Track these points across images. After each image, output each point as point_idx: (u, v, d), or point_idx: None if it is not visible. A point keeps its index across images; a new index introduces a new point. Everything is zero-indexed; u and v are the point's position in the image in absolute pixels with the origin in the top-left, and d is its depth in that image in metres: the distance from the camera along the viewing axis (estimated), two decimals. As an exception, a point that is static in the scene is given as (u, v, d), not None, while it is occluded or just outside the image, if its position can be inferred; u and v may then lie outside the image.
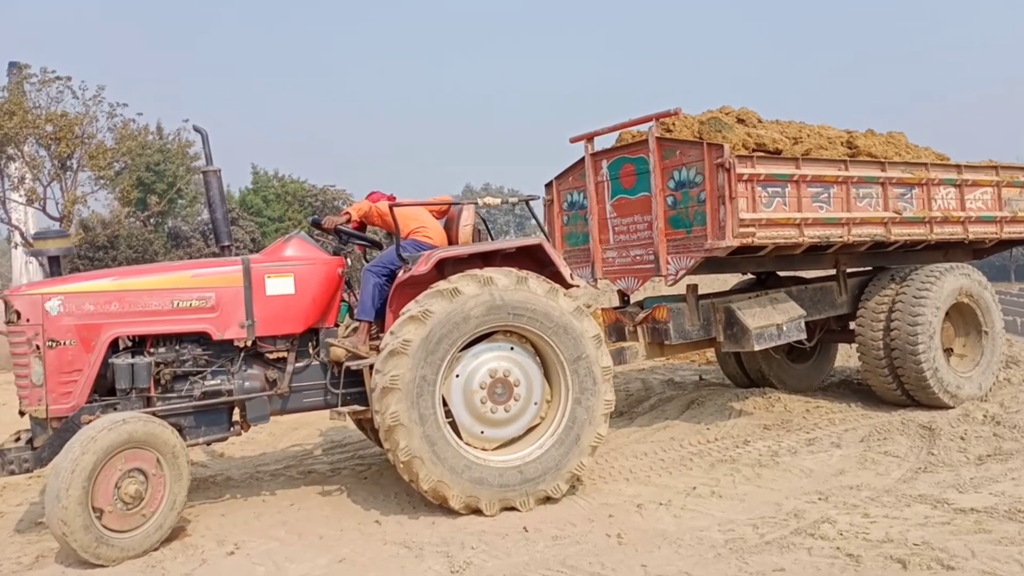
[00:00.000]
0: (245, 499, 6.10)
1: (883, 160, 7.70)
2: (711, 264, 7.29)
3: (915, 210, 7.87)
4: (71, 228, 20.22)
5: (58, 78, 19.77)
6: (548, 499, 5.58)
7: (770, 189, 6.90)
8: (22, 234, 20.16)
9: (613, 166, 7.62)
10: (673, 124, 7.33)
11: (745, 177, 6.69)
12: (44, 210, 19.96)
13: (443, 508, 5.46)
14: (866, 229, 7.53)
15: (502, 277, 5.56)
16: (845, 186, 7.37)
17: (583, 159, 7.91)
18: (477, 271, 5.60)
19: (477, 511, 5.39)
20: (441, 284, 5.51)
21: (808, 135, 7.72)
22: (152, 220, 27.42)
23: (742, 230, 6.62)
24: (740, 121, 7.56)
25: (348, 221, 6.31)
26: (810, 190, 7.16)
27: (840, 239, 7.35)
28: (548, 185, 8.49)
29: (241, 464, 7.28)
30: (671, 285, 7.27)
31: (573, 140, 8.01)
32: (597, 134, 7.83)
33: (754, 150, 7.11)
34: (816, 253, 7.90)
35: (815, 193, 7.19)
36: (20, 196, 19.87)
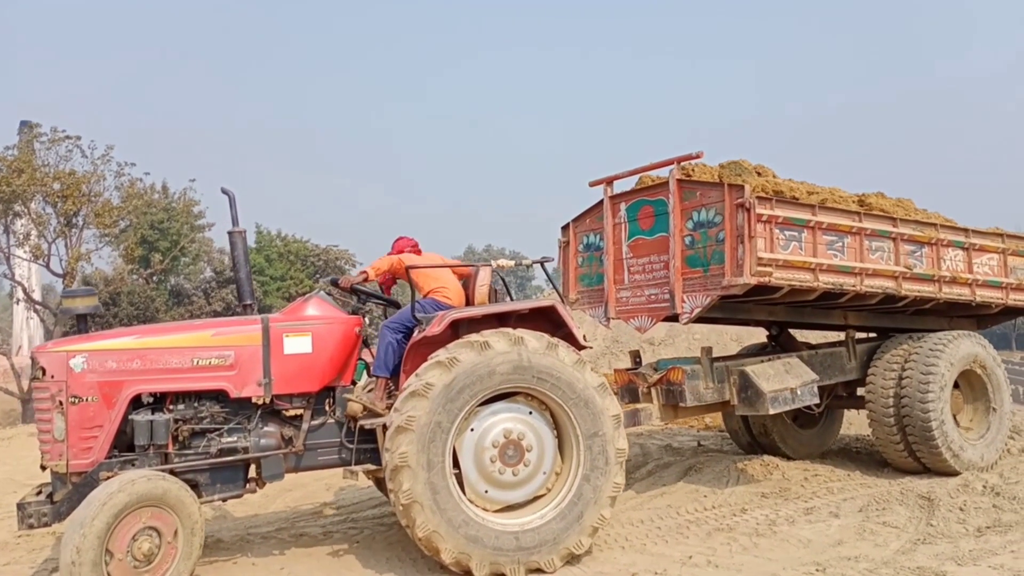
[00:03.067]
0: (234, 562, 6.04)
1: (895, 217, 7.87)
2: (725, 308, 7.43)
3: (925, 268, 8.00)
4: (74, 285, 20.37)
5: (67, 137, 20.11)
6: (539, 571, 5.52)
7: (787, 232, 7.06)
8: (25, 290, 20.31)
9: (632, 208, 7.79)
10: (692, 170, 7.50)
11: (764, 218, 6.85)
12: (48, 266, 20.12)
13: (434, 574, 5.46)
14: (878, 281, 7.65)
15: (533, 340, 5.63)
16: (859, 237, 7.53)
17: (601, 202, 8.08)
18: (510, 330, 5.68)
19: (467, 571, 5.36)
20: (473, 336, 5.58)
21: (820, 191, 7.89)
22: (155, 278, 27.60)
23: (760, 268, 6.75)
24: (757, 174, 7.74)
25: (365, 280, 6.35)
26: (825, 237, 7.32)
27: (853, 288, 7.46)
28: (565, 227, 8.67)
29: (232, 526, 7.20)
30: (686, 323, 7.37)
31: (593, 184, 8.18)
32: (617, 178, 8.00)
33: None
34: (827, 304, 7.99)
35: (830, 241, 7.36)
36: (25, 252, 20.04)
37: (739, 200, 6.80)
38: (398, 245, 6.67)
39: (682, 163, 7.31)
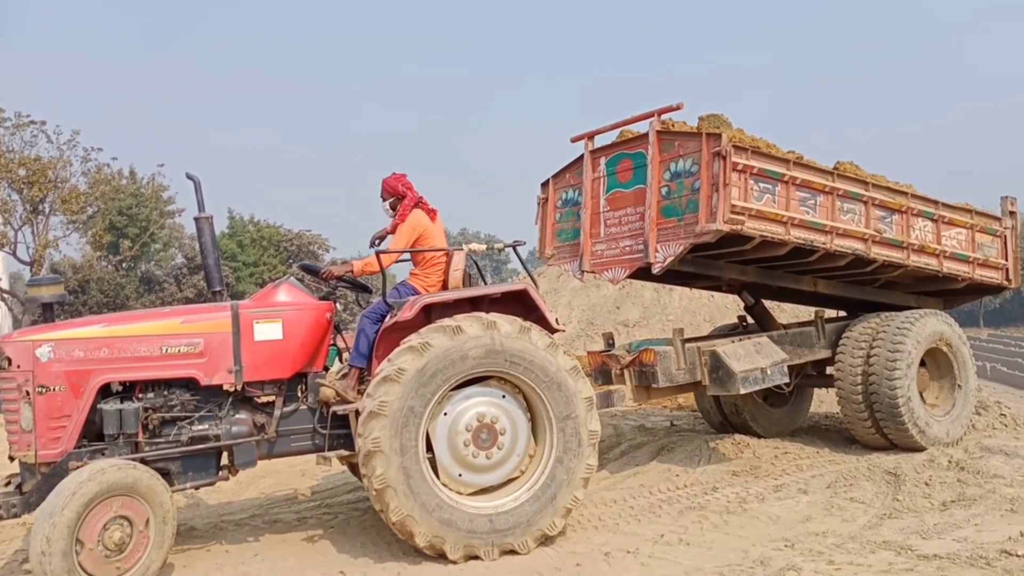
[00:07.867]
0: (208, 549, 5.99)
1: (867, 181, 7.91)
2: (697, 263, 7.53)
3: (894, 234, 8.06)
4: (42, 272, 20.13)
5: (32, 122, 19.83)
6: (513, 552, 5.54)
7: (761, 184, 7.07)
8: (-10, 278, 20.07)
9: (611, 162, 7.78)
10: (672, 124, 7.49)
11: (739, 167, 6.83)
12: (15, 254, 19.88)
13: (408, 557, 5.47)
14: (848, 242, 7.67)
15: (506, 324, 5.62)
16: (831, 197, 7.55)
17: (581, 157, 8.05)
18: (483, 314, 5.67)
19: (441, 553, 5.37)
20: (446, 321, 5.58)
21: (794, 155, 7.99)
22: (124, 264, 27.34)
23: (733, 216, 6.74)
24: (736, 132, 7.84)
25: (349, 272, 6.27)
26: (799, 193, 7.33)
27: (823, 246, 7.47)
28: (544, 184, 8.64)
29: (206, 513, 7.13)
30: (658, 272, 7.37)
31: (575, 139, 8.14)
32: (599, 132, 7.96)
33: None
34: (797, 266, 8.06)
35: (803, 197, 7.37)
36: (-9, 241, 19.81)
37: (716, 148, 6.78)
38: (395, 179, 6.45)
39: (662, 115, 7.31)
